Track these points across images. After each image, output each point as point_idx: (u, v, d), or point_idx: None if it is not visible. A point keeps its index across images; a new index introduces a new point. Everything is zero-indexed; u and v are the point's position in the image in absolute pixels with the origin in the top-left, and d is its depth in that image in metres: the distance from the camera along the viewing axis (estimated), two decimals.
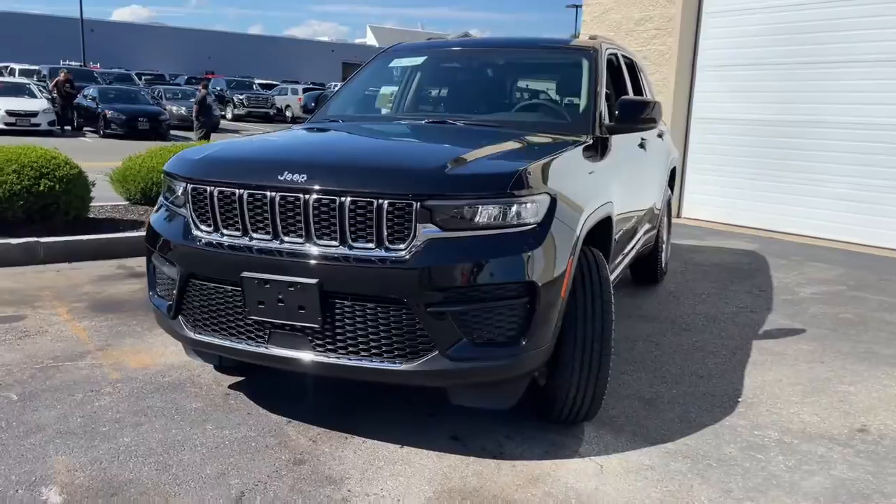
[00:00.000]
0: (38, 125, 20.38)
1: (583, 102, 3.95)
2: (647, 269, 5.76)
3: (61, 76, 23.66)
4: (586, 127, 3.75)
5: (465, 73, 4.60)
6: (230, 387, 3.56)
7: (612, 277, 3.89)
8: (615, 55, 4.69)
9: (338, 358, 2.77)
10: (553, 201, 2.80)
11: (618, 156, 3.93)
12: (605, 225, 3.43)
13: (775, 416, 3.43)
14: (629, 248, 4.48)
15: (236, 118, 32.41)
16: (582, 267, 3.02)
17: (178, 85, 37.11)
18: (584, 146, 3.51)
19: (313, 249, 2.73)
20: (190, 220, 3.01)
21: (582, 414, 3.12)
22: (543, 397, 3.12)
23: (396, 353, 2.71)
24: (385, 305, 2.68)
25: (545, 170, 2.89)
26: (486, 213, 2.66)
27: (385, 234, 2.66)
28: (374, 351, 2.73)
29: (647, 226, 5.11)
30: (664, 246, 5.92)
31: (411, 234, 2.64)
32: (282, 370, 3.16)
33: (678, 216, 10.01)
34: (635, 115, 3.82)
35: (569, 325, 2.95)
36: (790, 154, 8.79)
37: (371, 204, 2.65)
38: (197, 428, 3.10)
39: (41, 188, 6.20)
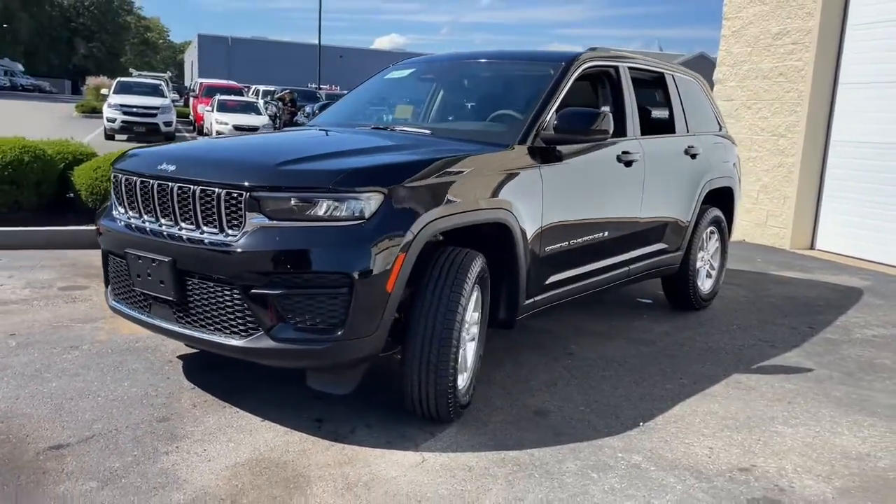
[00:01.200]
0: None
1: (524, 113, 3.98)
2: (677, 292, 5.49)
3: (285, 96, 26.79)
4: (515, 136, 3.78)
5: (439, 84, 4.79)
6: (179, 356, 4.05)
7: (561, 291, 4.02)
8: (610, 68, 4.60)
9: (193, 330, 3.13)
10: (386, 200, 2.95)
11: (567, 168, 3.92)
12: (501, 230, 3.48)
13: (661, 444, 3.24)
14: (601, 264, 4.37)
15: None
16: (437, 267, 3.13)
17: None
18: (495, 153, 3.59)
19: (177, 231, 3.12)
20: (112, 203, 3.55)
21: (433, 411, 3.20)
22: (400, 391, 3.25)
23: (232, 329, 3.02)
24: (221, 285, 3.00)
25: (382, 171, 3.06)
26: (309, 206, 2.89)
27: (224, 220, 2.98)
28: (216, 326, 3.06)
29: (653, 247, 4.92)
30: (701, 268, 5.59)
31: (243, 222, 2.94)
32: None
33: (811, 248, 9.18)
34: (577, 125, 3.80)
35: (414, 321, 3.08)
36: None
37: (213, 193, 2.99)
38: (116, 383, 3.61)
39: None
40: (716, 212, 5.63)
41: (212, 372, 3.82)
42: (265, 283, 2.89)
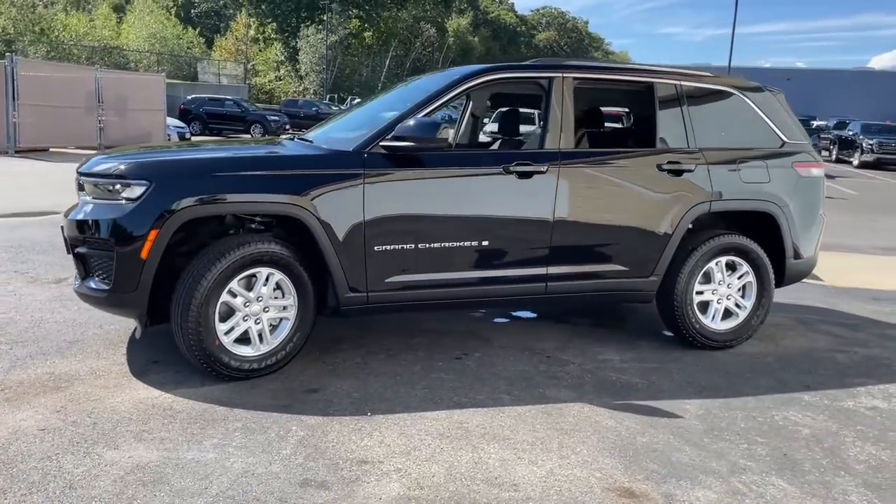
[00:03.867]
0: None
1: (386, 121, 4.33)
2: (670, 325, 4.94)
3: None
4: (356, 143, 4.22)
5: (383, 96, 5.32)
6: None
7: (415, 293, 4.29)
8: (536, 81, 4.57)
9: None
10: (150, 188, 3.80)
11: (411, 175, 4.19)
12: (295, 224, 4.02)
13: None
14: (481, 274, 4.41)
15: (863, 165, 27.53)
16: (206, 247, 3.89)
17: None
18: (316, 155, 4.26)
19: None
20: None
21: (196, 364, 3.91)
22: None
23: (78, 277, 4.17)
24: (72, 247, 4.16)
25: (153, 166, 3.94)
26: (101, 188, 3.90)
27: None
28: (81, 276, 4.21)
29: (597, 266, 4.63)
30: (712, 302, 4.90)
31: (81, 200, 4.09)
32: None
33: None
34: (415, 134, 4.10)
35: (176, 287, 3.87)
36: None
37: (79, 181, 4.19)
38: (58, 353, 5.01)
39: None
40: (736, 240, 4.88)
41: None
42: (79, 244, 3.98)
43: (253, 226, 4.18)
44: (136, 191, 3.81)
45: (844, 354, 5.05)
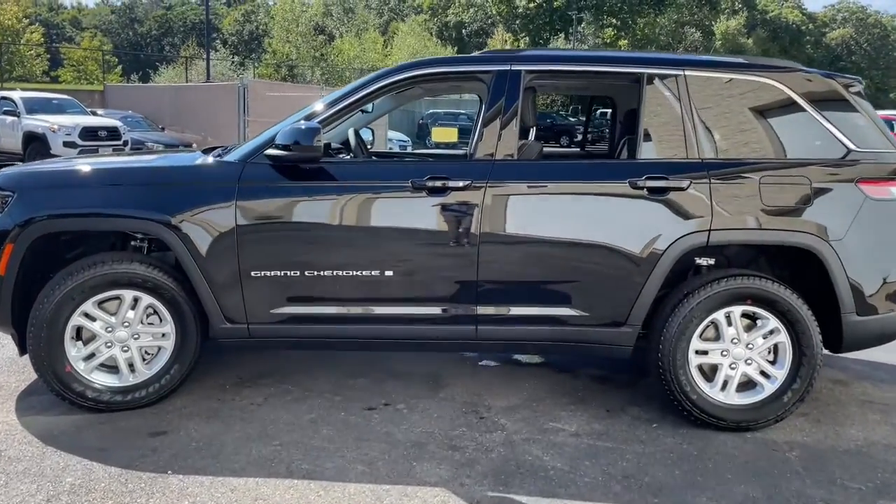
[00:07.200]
0: None
1: None
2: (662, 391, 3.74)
3: None
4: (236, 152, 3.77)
5: None
6: None
7: (310, 328, 3.70)
8: (474, 76, 3.68)
9: None
10: (13, 199, 3.59)
11: (299, 189, 3.60)
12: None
13: None
14: (388, 311, 3.65)
15: None
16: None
17: None
18: (189, 166, 3.86)
19: None
20: None
21: (55, 391, 3.63)
22: None
23: None
24: None
25: (17, 177, 3.78)
26: None
27: None
28: None
29: (541, 309, 3.62)
30: (722, 367, 3.60)
31: None
32: None
33: None
34: (289, 143, 3.50)
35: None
36: None
37: None
38: None
39: None
40: (754, 284, 3.52)
41: None
42: None
43: (134, 243, 3.81)
44: (8, 202, 3.63)
45: None
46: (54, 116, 15.64)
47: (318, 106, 3.79)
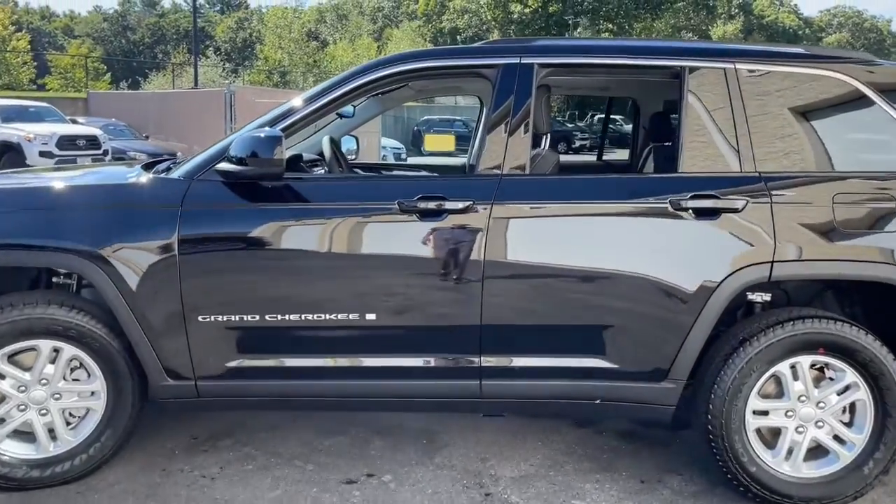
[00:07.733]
0: None
1: None
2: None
3: None
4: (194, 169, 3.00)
5: None
6: None
7: (272, 385, 3.02)
8: (486, 69, 2.97)
9: None
10: None
11: (256, 213, 2.89)
12: None
13: None
14: (370, 362, 2.95)
15: None
16: None
17: None
18: (129, 183, 3.11)
19: None
20: None
21: None
22: None
23: None
24: None
25: None
26: None
27: None
28: None
29: (562, 360, 2.91)
30: (786, 430, 2.89)
31: None
32: None
33: None
34: (243, 155, 2.78)
35: None
36: None
37: None
38: None
39: None
40: (828, 329, 2.82)
41: None
42: None
43: (57, 280, 3.09)
44: None
45: None
46: (31, 125, 14.90)
47: (283, 108, 3.08)
